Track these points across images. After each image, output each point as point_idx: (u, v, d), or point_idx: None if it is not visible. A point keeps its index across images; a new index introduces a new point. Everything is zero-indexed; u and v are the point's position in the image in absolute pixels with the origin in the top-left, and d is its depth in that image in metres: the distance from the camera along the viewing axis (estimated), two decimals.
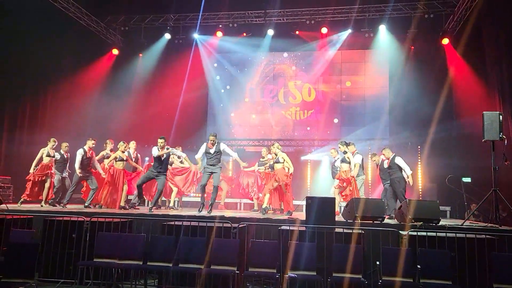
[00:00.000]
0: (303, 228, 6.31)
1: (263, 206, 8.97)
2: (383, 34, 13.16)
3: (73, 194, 9.50)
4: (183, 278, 6.10)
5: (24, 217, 6.99)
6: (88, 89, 13.26)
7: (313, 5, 13.15)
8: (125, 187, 9.28)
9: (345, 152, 9.30)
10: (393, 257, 5.57)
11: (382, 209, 7.43)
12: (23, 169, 9.85)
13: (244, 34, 14.12)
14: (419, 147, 12.47)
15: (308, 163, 13.48)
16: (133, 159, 9.74)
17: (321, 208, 6.50)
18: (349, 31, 13.39)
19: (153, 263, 6.04)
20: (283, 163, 9.04)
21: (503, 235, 5.96)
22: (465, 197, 9.51)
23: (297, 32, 13.75)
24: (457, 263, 5.63)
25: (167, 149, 8.55)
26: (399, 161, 8.79)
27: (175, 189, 10.07)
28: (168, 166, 9.16)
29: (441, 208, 8.49)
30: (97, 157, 9.49)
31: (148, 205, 10.13)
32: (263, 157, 10.32)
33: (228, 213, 8.60)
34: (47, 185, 9.30)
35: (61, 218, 6.82)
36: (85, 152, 9.18)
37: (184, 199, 11.56)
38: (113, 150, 9.65)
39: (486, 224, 7.36)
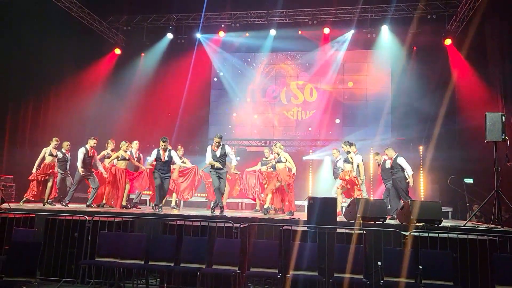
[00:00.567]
0: (305, 228, 6.31)
1: (265, 206, 8.97)
2: (386, 35, 13.14)
3: (75, 193, 9.52)
4: (184, 278, 6.11)
5: (27, 216, 7.00)
6: (90, 89, 13.26)
7: (315, 5, 13.12)
8: (127, 187, 9.29)
9: (348, 152, 9.27)
10: (395, 258, 5.57)
11: (384, 210, 7.43)
12: (25, 168, 9.88)
13: (247, 34, 14.13)
14: (421, 147, 12.45)
15: (309, 163, 13.45)
16: (135, 159, 9.75)
17: (322, 208, 6.50)
18: (352, 31, 13.38)
19: (155, 262, 6.05)
20: (285, 163, 9.03)
21: (505, 236, 5.94)
22: (467, 198, 9.51)
23: (299, 32, 13.75)
24: (459, 264, 5.62)
25: (169, 150, 8.58)
26: (401, 161, 8.78)
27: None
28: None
29: (443, 209, 8.50)
30: (98, 156, 9.51)
31: (150, 205, 10.15)
32: (266, 157, 10.31)
33: (230, 213, 8.61)
34: (49, 184, 9.34)
35: (63, 217, 6.85)
36: (87, 150, 9.22)
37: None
38: (114, 150, 9.66)
39: (488, 225, 7.33)
